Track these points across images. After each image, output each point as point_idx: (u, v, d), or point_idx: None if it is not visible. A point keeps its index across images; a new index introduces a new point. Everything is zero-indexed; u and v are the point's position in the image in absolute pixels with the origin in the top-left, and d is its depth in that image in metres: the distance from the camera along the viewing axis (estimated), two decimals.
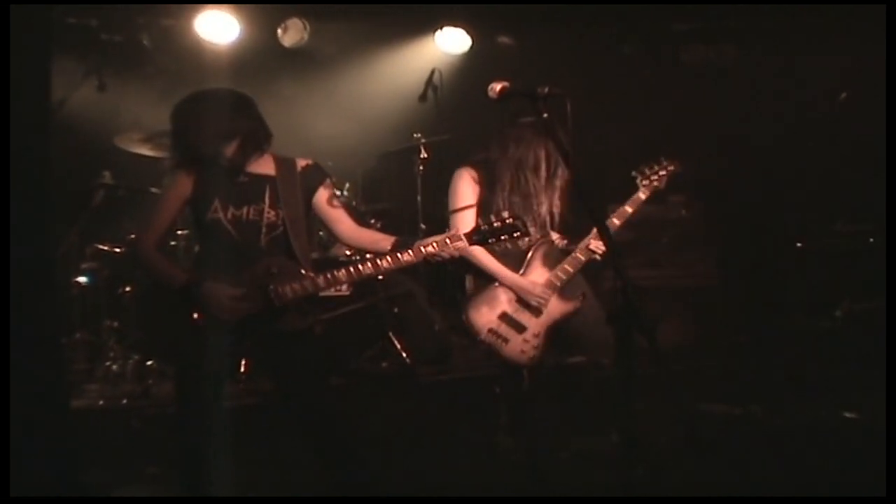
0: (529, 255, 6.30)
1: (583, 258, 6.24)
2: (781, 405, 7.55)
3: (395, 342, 8.12)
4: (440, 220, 6.64)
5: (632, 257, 9.13)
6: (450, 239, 5.07)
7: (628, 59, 10.76)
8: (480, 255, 6.08)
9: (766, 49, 10.31)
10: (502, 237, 5.08)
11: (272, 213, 5.14)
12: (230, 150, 5.08)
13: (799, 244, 9.33)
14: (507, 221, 5.05)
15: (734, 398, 7.68)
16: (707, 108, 10.15)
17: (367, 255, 5.20)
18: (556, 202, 6.37)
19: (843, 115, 9.14)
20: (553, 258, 6.34)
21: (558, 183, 6.32)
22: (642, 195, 6.42)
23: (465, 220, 6.16)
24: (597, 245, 6.24)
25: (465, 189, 6.34)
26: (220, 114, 5.06)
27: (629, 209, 6.35)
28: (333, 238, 5.52)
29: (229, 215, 5.08)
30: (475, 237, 5.08)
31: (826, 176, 9.53)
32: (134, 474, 6.24)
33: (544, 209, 6.36)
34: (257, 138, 5.17)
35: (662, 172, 6.47)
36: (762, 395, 7.72)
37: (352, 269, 5.07)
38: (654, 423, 6.06)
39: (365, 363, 8.13)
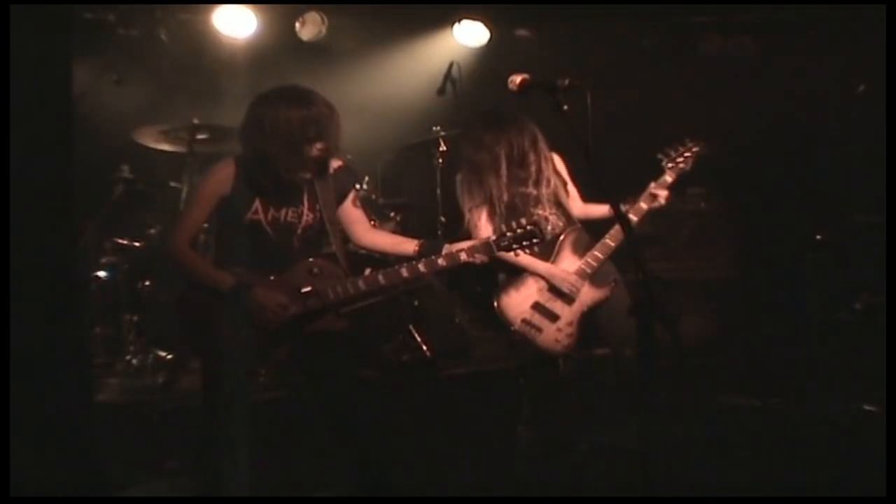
0: (559, 243, 6.35)
1: (613, 244, 6.27)
2: (801, 398, 7.53)
3: (416, 335, 8.11)
4: (460, 214, 6.66)
5: (651, 250, 9.12)
6: (480, 246, 5.16)
7: (647, 51, 10.73)
8: None
9: (784, 41, 10.27)
10: (524, 243, 5.16)
11: (310, 215, 5.16)
12: (308, 160, 5.01)
13: (818, 236, 9.29)
14: (528, 228, 5.15)
15: (754, 391, 7.66)
16: (725, 100, 10.13)
17: (405, 260, 5.19)
18: (553, 191, 6.42)
19: (861, 107, 9.11)
20: (582, 246, 6.39)
21: (545, 172, 6.39)
22: (668, 178, 6.43)
23: (472, 220, 6.43)
24: (659, 191, 6.33)
25: (462, 190, 6.53)
26: (312, 119, 4.92)
27: (656, 192, 6.36)
28: (349, 238, 5.48)
29: (269, 217, 5.06)
30: (502, 243, 5.15)
31: (845, 168, 9.49)
32: (153, 468, 6.24)
33: (548, 200, 6.41)
34: (333, 151, 5.12)
35: (688, 154, 6.49)
36: (781, 388, 7.71)
37: (392, 273, 5.12)
38: (674, 416, 6.05)
39: (385, 356, 8.12)
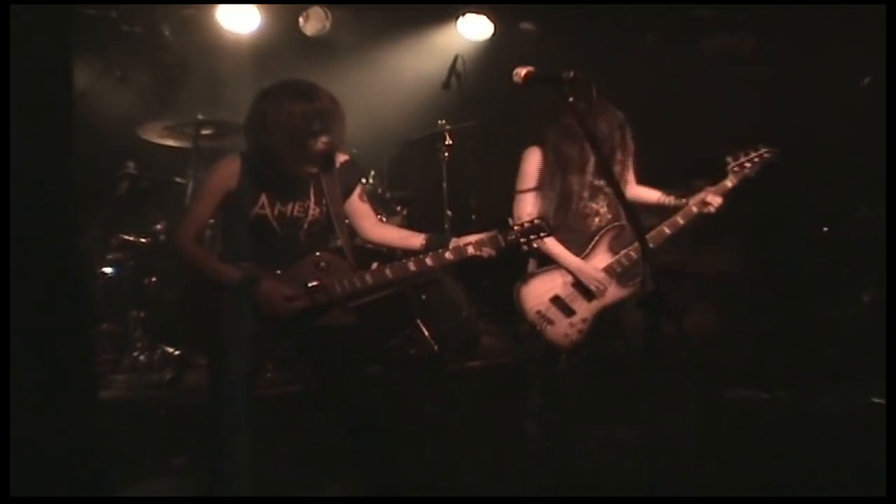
0: (596, 238, 6.27)
1: (651, 245, 6.06)
2: (808, 391, 7.53)
3: (423, 329, 8.10)
4: (466, 207, 6.66)
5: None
6: (488, 240, 5.17)
7: (650, 45, 10.72)
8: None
9: (787, 35, 10.25)
10: (531, 237, 5.20)
11: (317, 209, 5.16)
12: (313, 154, 5.01)
13: (825, 230, 9.27)
14: (536, 223, 5.22)
15: (761, 384, 7.65)
16: (728, 94, 10.12)
17: (412, 255, 5.20)
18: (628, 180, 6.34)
19: (866, 101, 9.08)
20: (621, 243, 6.27)
21: (626, 171, 6.29)
22: (729, 183, 6.27)
23: (529, 202, 6.26)
24: (713, 198, 6.21)
25: (534, 170, 6.30)
26: (316, 113, 4.91)
27: (716, 200, 6.24)
28: (356, 233, 5.48)
29: (275, 211, 5.06)
30: (509, 237, 5.19)
31: (850, 162, 9.48)
32: (160, 465, 6.24)
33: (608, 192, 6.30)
34: (338, 145, 5.12)
35: (756, 159, 6.30)
36: (789, 382, 7.70)
37: (399, 267, 5.14)
38: (681, 410, 6.03)
39: (392, 350, 8.12)
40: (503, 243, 5.15)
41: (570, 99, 4.40)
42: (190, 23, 9.60)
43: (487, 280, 9.44)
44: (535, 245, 5.38)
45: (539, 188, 6.26)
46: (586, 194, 6.23)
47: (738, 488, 5.55)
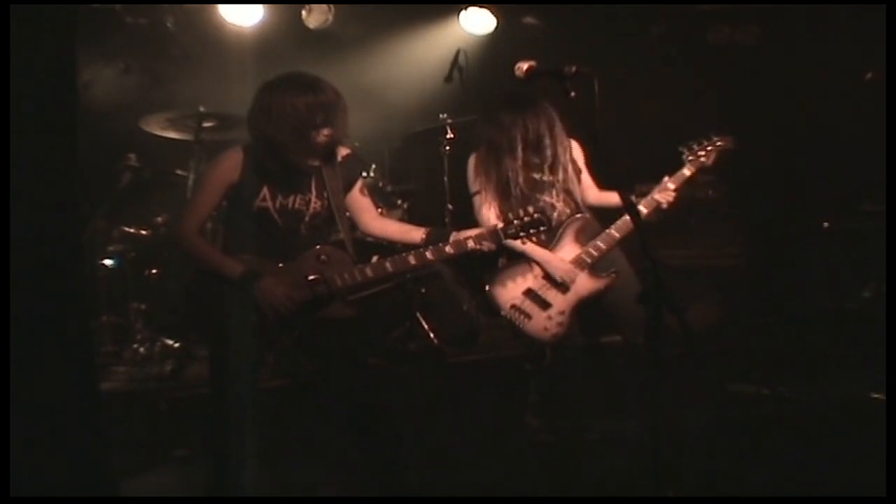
0: (561, 230, 6.30)
1: (618, 235, 6.19)
2: (809, 386, 7.52)
3: (423, 323, 8.10)
4: (468, 201, 6.64)
5: (660, 238, 9.09)
6: (487, 234, 5.18)
7: (655, 39, 10.71)
8: None
9: (791, 29, 10.24)
10: (531, 231, 5.19)
11: (318, 203, 5.17)
12: (316, 147, 5.04)
13: (826, 224, 9.26)
14: (535, 216, 5.18)
15: (762, 379, 7.65)
16: (733, 88, 10.11)
17: (412, 248, 5.21)
18: (565, 178, 6.40)
19: (869, 95, 9.07)
20: (587, 235, 6.33)
21: (561, 158, 6.37)
22: (687, 171, 6.33)
23: (483, 202, 6.38)
24: (662, 195, 6.25)
25: (474, 172, 6.48)
26: (319, 106, 4.95)
27: (671, 185, 6.28)
28: (357, 226, 5.50)
29: (277, 204, 5.08)
30: (509, 231, 5.18)
31: (853, 155, 9.46)
32: (161, 456, 6.24)
33: (558, 186, 6.38)
34: (340, 138, 5.14)
35: (710, 148, 6.36)
36: (790, 376, 7.70)
37: (399, 260, 5.15)
38: (683, 404, 6.03)
39: (393, 344, 8.12)
40: (503, 237, 5.16)
41: (572, 94, 4.41)
42: (193, 16, 9.58)
43: (488, 273, 9.44)
44: (534, 239, 5.43)
45: (483, 187, 6.41)
46: (521, 180, 6.34)
47: (738, 484, 5.54)
